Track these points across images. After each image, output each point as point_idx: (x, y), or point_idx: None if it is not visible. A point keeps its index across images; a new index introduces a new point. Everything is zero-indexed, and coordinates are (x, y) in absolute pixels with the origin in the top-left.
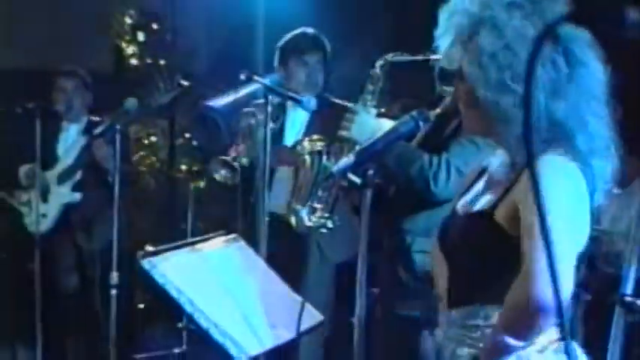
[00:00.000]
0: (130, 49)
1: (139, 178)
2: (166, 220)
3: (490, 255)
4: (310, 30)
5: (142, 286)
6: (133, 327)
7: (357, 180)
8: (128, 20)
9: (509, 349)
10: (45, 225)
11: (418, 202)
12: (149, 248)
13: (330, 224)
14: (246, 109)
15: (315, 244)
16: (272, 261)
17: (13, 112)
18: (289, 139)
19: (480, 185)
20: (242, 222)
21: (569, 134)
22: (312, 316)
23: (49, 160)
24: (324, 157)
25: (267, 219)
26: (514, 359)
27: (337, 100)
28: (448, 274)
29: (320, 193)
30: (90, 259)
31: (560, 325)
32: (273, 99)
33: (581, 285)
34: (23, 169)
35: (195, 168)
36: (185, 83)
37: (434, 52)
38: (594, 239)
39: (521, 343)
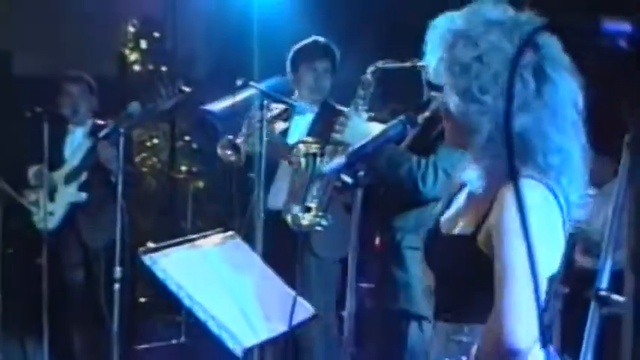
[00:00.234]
0: (133, 56)
1: (141, 179)
2: (167, 218)
3: (472, 278)
4: (321, 39)
5: (143, 281)
6: (134, 319)
7: (349, 180)
8: (131, 29)
9: None
10: (52, 223)
11: (408, 200)
12: (150, 245)
13: (324, 222)
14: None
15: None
16: (272, 257)
17: (22, 116)
18: (293, 139)
19: (460, 201)
20: (239, 220)
21: (528, 147)
22: (305, 310)
23: (56, 161)
24: (319, 159)
25: (263, 217)
26: None
27: (339, 107)
28: (435, 286)
29: (314, 193)
30: (94, 255)
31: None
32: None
33: (559, 280)
34: (32, 170)
35: (194, 169)
36: (186, 89)
37: (422, 59)
38: (572, 235)
39: None
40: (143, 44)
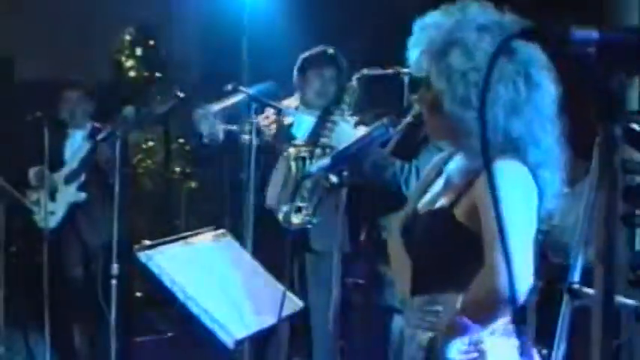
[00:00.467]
0: (129, 63)
1: (137, 180)
2: (162, 217)
3: (451, 247)
4: (331, 49)
5: (139, 277)
6: (131, 313)
7: (335, 180)
8: (127, 37)
9: (466, 331)
10: (53, 221)
11: (393, 201)
12: (146, 242)
13: (314, 221)
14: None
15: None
16: (270, 254)
17: (24, 119)
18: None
19: (438, 187)
20: (229, 218)
21: (521, 149)
22: (294, 304)
23: (56, 163)
24: (308, 162)
25: (253, 216)
26: (468, 340)
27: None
28: (411, 267)
29: (304, 194)
30: (93, 253)
31: (513, 311)
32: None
33: (534, 274)
34: (33, 171)
35: (188, 170)
36: (181, 95)
37: (404, 66)
38: (546, 233)
39: (479, 327)
40: (139, 51)
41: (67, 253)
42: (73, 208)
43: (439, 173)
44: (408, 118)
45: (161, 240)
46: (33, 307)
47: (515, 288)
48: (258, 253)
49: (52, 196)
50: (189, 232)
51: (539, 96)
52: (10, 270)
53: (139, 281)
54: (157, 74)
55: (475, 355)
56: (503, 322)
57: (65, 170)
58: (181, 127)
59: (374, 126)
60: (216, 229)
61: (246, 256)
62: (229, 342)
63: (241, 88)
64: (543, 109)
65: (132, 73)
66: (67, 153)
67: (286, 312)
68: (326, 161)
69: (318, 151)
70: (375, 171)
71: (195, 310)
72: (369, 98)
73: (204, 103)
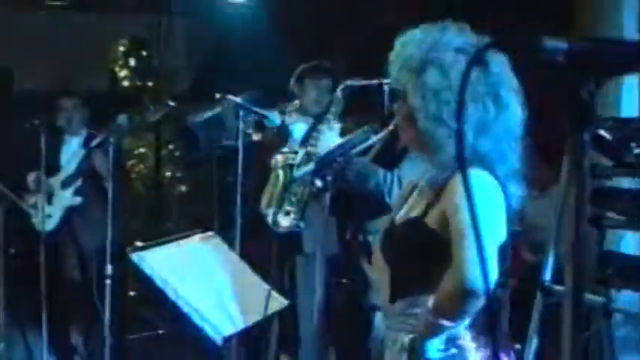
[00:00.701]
0: (123, 73)
1: (130, 184)
2: (153, 220)
3: (425, 253)
4: (327, 62)
5: (132, 277)
6: (125, 312)
7: (320, 185)
8: (121, 48)
9: (442, 329)
10: (50, 224)
11: (378, 208)
12: (138, 244)
13: (301, 224)
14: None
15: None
16: (263, 255)
17: (22, 127)
18: (291, 144)
19: (412, 199)
20: (218, 221)
21: (489, 165)
22: (279, 302)
23: (53, 168)
24: (295, 169)
25: (239, 218)
26: (445, 337)
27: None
28: (390, 275)
29: (292, 199)
30: (88, 254)
31: (487, 308)
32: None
33: (508, 273)
34: (31, 176)
35: (178, 175)
36: (172, 104)
37: (385, 77)
38: (520, 233)
39: (452, 324)
40: (132, 62)
41: (63, 254)
42: (70, 212)
43: (414, 187)
44: (390, 127)
45: (153, 242)
46: (31, 306)
47: (487, 282)
48: (249, 255)
49: (49, 200)
50: (180, 234)
51: (507, 115)
52: (9, 271)
53: (131, 281)
54: (149, 84)
55: (454, 351)
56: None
57: (61, 175)
58: (171, 133)
59: (355, 133)
60: (205, 231)
61: (234, 257)
62: (218, 339)
63: (229, 96)
64: (510, 128)
65: (125, 83)
66: (64, 159)
67: (271, 310)
68: (310, 166)
69: (305, 158)
70: (359, 180)
71: (185, 308)
72: (352, 107)
73: (194, 112)
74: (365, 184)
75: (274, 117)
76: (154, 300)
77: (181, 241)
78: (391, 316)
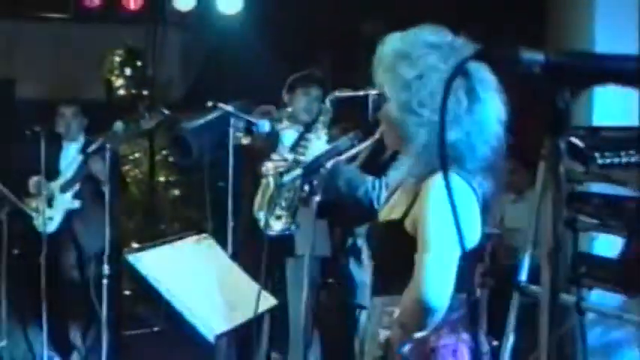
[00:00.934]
0: (119, 82)
1: (125, 188)
2: (148, 222)
3: (402, 256)
4: (317, 71)
5: (128, 276)
6: (121, 309)
7: (307, 189)
8: (117, 59)
9: (410, 337)
10: (51, 226)
11: (366, 213)
12: (134, 245)
13: (292, 227)
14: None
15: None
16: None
17: (24, 134)
18: (281, 151)
19: (396, 197)
20: (211, 223)
21: (458, 156)
22: (268, 301)
23: (52, 173)
24: (285, 175)
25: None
26: (416, 341)
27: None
28: (373, 268)
29: (283, 203)
30: (87, 254)
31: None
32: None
33: (486, 273)
34: (32, 181)
35: (171, 179)
36: (166, 112)
37: (371, 87)
38: (497, 236)
39: (418, 334)
40: (127, 71)
41: (63, 254)
42: (69, 214)
43: (399, 185)
44: (376, 136)
45: (148, 243)
46: (32, 305)
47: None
48: (241, 256)
49: (50, 203)
50: (174, 236)
51: (480, 109)
52: (12, 270)
53: (127, 281)
54: (144, 92)
55: (427, 352)
56: (452, 319)
57: (61, 180)
58: (165, 140)
59: (341, 140)
60: (198, 233)
61: (225, 258)
62: (210, 336)
63: (220, 105)
64: (483, 121)
65: (121, 92)
66: (63, 164)
67: (261, 308)
68: (297, 172)
69: (293, 165)
70: (349, 188)
71: (179, 306)
72: (340, 117)
73: (187, 119)
74: (354, 192)
75: (263, 124)
76: (149, 298)
77: (175, 243)
78: (372, 308)
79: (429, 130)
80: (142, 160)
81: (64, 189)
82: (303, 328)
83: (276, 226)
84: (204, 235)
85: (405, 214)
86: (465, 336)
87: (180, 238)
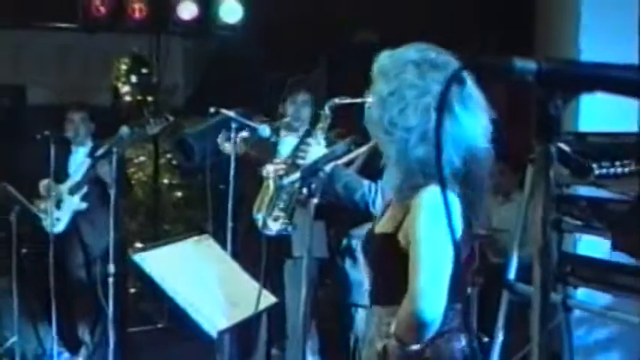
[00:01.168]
0: (125, 89)
1: (130, 190)
2: (152, 223)
3: (397, 269)
4: (302, 76)
5: (133, 275)
6: (126, 307)
7: (305, 192)
8: (123, 66)
9: (404, 348)
10: (59, 227)
11: (362, 216)
12: (139, 245)
13: (290, 229)
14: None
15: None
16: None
17: (34, 138)
18: (282, 156)
19: (390, 209)
20: (212, 224)
21: (428, 169)
22: (268, 299)
23: (61, 176)
24: (285, 178)
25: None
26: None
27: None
28: (371, 277)
29: (281, 205)
30: (93, 254)
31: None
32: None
33: (476, 272)
34: (42, 183)
35: (174, 182)
36: (170, 117)
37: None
38: (486, 237)
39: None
40: (133, 78)
41: (70, 254)
42: (77, 216)
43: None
44: (373, 142)
45: (152, 243)
46: (42, 302)
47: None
48: (242, 256)
49: (58, 205)
50: (177, 237)
51: (454, 125)
52: (22, 269)
53: (132, 279)
54: (149, 99)
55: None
56: (448, 330)
57: (69, 182)
58: (168, 144)
59: (338, 144)
60: (200, 233)
61: (226, 257)
62: (213, 332)
63: (222, 110)
64: (457, 137)
65: (127, 98)
66: (71, 167)
67: (261, 306)
68: (296, 175)
69: (292, 168)
70: (346, 192)
71: (182, 304)
72: (339, 123)
73: (190, 125)
74: (351, 195)
75: (264, 129)
76: (154, 296)
77: (178, 243)
78: (371, 316)
79: (397, 148)
80: (146, 164)
81: (72, 191)
82: (302, 325)
83: (274, 227)
84: (205, 235)
85: (397, 228)
86: (461, 345)
87: (183, 239)
